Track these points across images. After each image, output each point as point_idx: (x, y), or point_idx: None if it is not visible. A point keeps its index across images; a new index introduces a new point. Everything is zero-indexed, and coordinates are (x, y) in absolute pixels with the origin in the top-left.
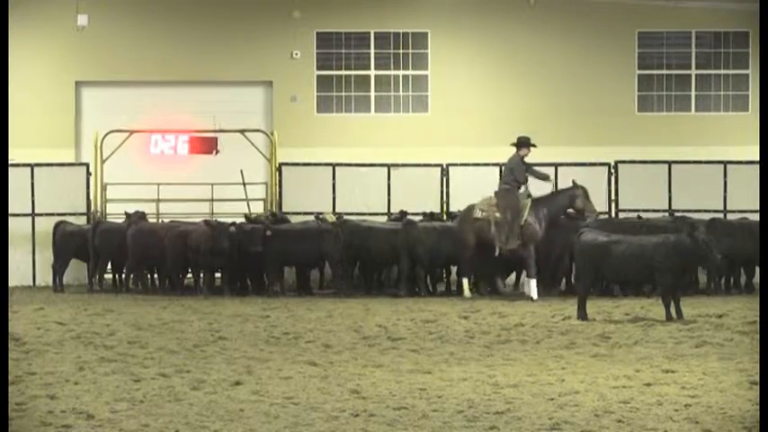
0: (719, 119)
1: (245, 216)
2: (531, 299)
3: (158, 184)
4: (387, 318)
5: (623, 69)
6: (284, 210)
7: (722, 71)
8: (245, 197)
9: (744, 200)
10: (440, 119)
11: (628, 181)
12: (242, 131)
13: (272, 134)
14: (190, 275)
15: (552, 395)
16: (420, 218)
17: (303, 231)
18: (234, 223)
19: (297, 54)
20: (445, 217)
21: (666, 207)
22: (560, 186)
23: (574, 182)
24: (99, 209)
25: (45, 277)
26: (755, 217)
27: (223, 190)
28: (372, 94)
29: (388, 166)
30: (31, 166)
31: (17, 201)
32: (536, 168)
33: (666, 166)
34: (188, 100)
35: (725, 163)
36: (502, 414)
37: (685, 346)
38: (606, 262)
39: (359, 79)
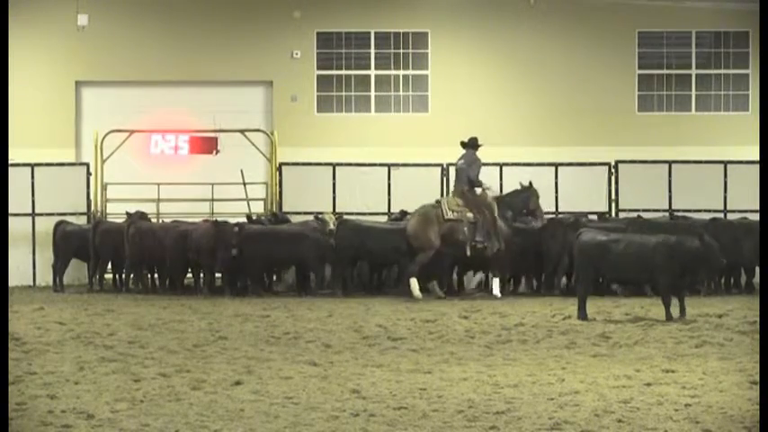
0: (720, 119)
1: (246, 216)
2: (496, 297)
3: (158, 184)
4: (387, 317)
5: (623, 69)
6: (284, 210)
7: (722, 71)
8: (245, 197)
9: (744, 200)
10: (440, 119)
11: (628, 181)
12: (242, 131)
13: (272, 134)
14: (190, 275)
15: (552, 395)
16: None
17: (279, 233)
18: (239, 224)
19: (297, 54)
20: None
21: (666, 207)
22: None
23: (530, 183)
24: (99, 209)
25: (45, 277)
26: (755, 217)
27: (223, 190)
28: (372, 93)
29: (388, 165)
30: (32, 165)
31: (17, 200)
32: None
33: (667, 165)
34: (188, 100)
35: (725, 163)
36: (502, 414)
37: (685, 345)
38: (606, 261)
39: (359, 79)
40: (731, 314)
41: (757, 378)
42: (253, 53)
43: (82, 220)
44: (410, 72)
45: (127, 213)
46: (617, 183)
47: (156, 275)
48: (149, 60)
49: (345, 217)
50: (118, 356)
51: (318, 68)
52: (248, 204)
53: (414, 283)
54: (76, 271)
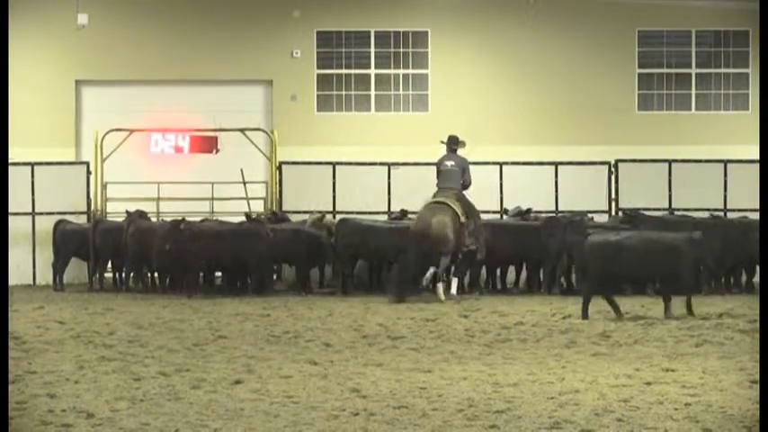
0: (719, 118)
1: (246, 215)
2: (452, 297)
3: (158, 183)
4: (387, 316)
5: (623, 68)
6: (284, 209)
7: (722, 70)
8: (245, 196)
9: (744, 198)
10: (440, 118)
11: (628, 180)
12: (242, 130)
13: (272, 133)
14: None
15: (552, 394)
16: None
17: (222, 232)
18: (183, 220)
19: (297, 53)
20: None
21: (666, 206)
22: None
23: None
24: (99, 208)
25: (45, 276)
26: (755, 216)
27: (223, 189)
28: (372, 92)
29: (389, 165)
30: (32, 164)
31: (17, 200)
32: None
33: (667, 164)
34: (188, 99)
35: (725, 162)
36: (502, 413)
37: (685, 344)
38: (621, 260)
39: (359, 78)
40: (731, 313)
41: (757, 377)
42: (253, 52)
43: (82, 220)
44: (410, 71)
45: (127, 212)
46: (617, 182)
47: (156, 274)
48: (149, 60)
49: (345, 216)
50: (118, 355)
51: (318, 67)
52: (248, 203)
53: (440, 286)
54: (76, 270)
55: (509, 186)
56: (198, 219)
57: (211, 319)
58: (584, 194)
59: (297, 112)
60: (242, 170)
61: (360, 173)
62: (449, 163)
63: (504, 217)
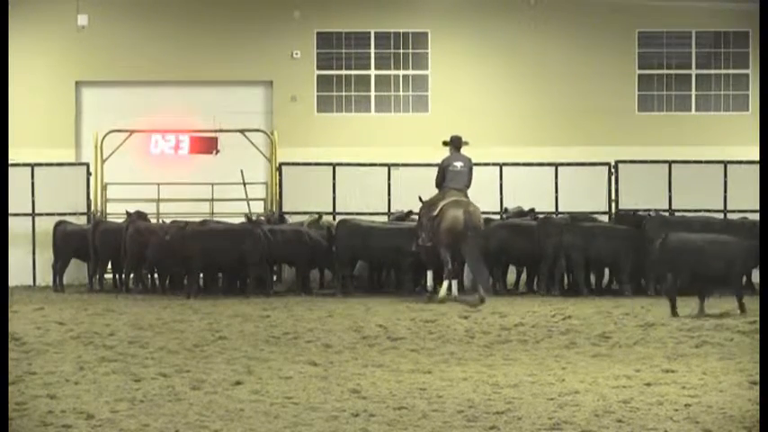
0: (719, 119)
1: (246, 216)
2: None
3: (158, 184)
4: (387, 318)
5: (623, 69)
6: (284, 210)
7: (722, 71)
8: (245, 197)
9: (744, 199)
10: (440, 119)
11: (628, 181)
12: (242, 131)
13: (272, 134)
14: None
15: (552, 395)
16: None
17: (221, 232)
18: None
19: (297, 54)
20: None
21: (667, 207)
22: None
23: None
24: (99, 209)
25: (45, 277)
26: (755, 217)
27: (223, 190)
28: (372, 93)
29: (389, 165)
30: (32, 165)
31: (17, 200)
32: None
33: (667, 165)
34: (188, 100)
35: (725, 163)
36: (502, 414)
37: (685, 345)
38: (699, 262)
39: (359, 79)
40: (731, 314)
41: (757, 378)
42: (253, 53)
43: (82, 220)
44: (410, 72)
45: (127, 213)
46: (617, 183)
47: (156, 275)
48: (149, 60)
49: (345, 217)
50: (118, 356)
51: (318, 68)
52: (248, 204)
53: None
54: (76, 271)
55: (509, 187)
56: (198, 220)
57: (211, 320)
58: (584, 195)
59: (297, 112)
60: (242, 171)
61: (360, 174)
62: (458, 164)
63: (504, 217)
